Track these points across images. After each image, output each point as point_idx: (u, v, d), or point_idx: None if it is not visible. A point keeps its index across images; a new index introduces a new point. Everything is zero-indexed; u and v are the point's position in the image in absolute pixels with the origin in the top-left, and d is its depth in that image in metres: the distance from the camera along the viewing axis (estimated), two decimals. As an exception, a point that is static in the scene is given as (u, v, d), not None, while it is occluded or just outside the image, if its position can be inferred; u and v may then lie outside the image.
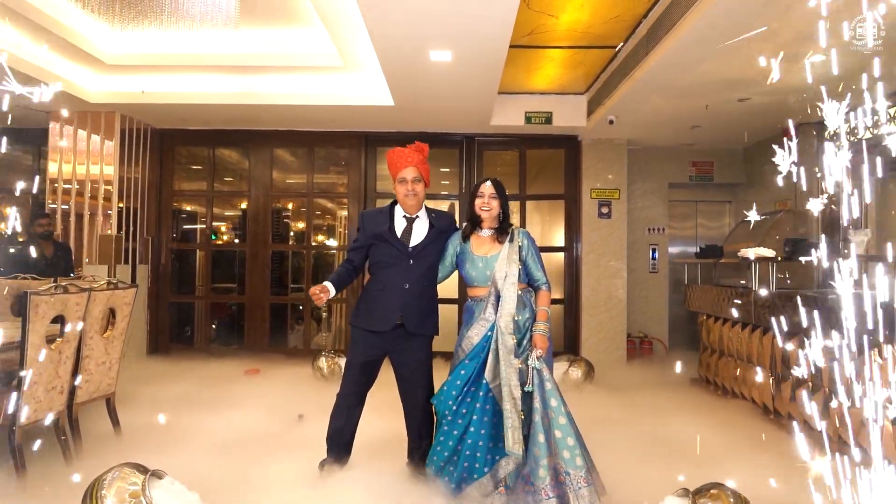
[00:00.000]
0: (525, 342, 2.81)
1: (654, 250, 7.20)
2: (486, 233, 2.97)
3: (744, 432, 4.11)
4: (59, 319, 3.17)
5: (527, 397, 2.72)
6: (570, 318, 6.93)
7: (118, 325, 3.72)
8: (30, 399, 2.99)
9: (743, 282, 4.87)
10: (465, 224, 3.04)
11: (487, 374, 2.76)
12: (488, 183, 2.94)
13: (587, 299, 6.74)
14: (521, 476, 2.68)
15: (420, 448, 3.04)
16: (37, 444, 3.11)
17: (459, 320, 3.59)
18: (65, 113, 5.95)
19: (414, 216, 3.01)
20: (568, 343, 6.92)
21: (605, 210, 6.70)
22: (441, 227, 3.05)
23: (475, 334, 2.82)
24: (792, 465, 2.33)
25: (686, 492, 2.29)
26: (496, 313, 2.80)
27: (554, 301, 7.08)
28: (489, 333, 2.79)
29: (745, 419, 4.46)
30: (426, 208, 3.06)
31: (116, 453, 3.46)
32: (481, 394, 2.76)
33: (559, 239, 7.02)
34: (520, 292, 2.84)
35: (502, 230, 2.93)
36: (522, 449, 2.68)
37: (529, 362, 2.71)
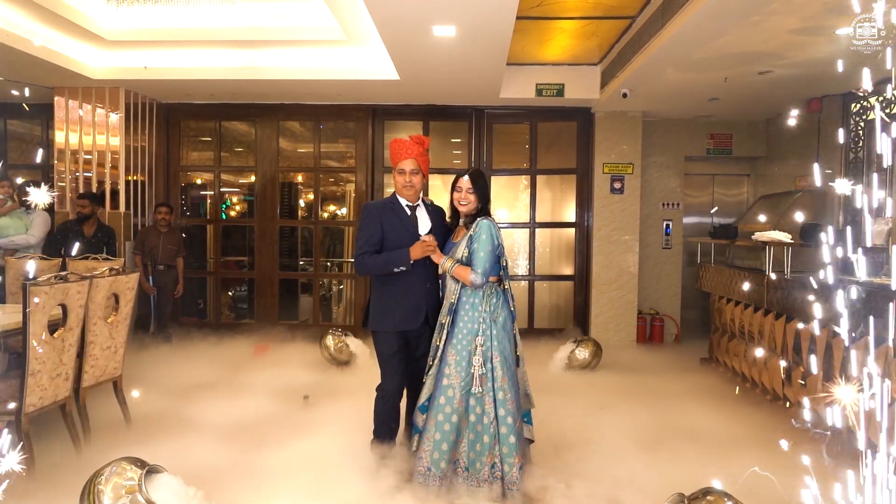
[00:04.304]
0: (490, 340, 2.83)
1: (667, 226, 7.02)
2: (463, 221, 3.05)
3: (750, 422, 4.05)
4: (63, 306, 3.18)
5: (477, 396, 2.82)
6: (580, 295, 6.85)
7: (122, 310, 3.73)
8: (35, 387, 3.03)
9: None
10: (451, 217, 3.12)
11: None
12: (466, 177, 2.93)
13: (597, 276, 6.64)
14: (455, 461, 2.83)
15: None
16: (43, 433, 3.16)
17: None
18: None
19: (415, 204, 3.10)
20: (578, 319, 6.87)
21: (617, 185, 6.52)
22: (439, 216, 3.18)
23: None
24: (798, 461, 2.26)
25: (681, 497, 2.25)
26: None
27: (564, 277, 7.03)
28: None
29: (754, 408, 4.39)
30: (422, 199, 3.16)
31: (124, 438, 3.54)
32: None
33: (570, 214, 6.88)
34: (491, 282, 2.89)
35: (473, 220, 2.95)
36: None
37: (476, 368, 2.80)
